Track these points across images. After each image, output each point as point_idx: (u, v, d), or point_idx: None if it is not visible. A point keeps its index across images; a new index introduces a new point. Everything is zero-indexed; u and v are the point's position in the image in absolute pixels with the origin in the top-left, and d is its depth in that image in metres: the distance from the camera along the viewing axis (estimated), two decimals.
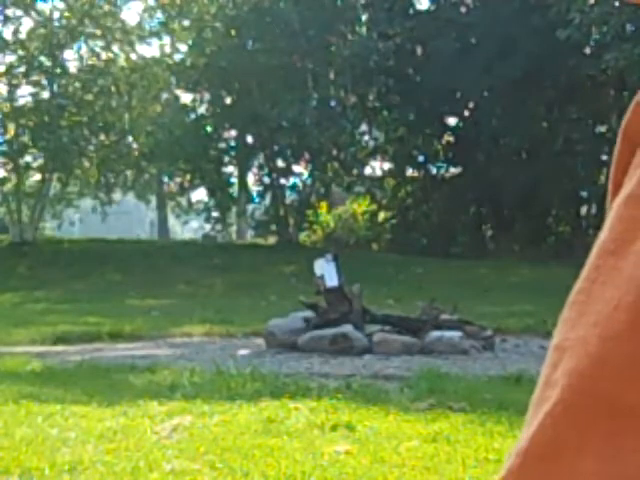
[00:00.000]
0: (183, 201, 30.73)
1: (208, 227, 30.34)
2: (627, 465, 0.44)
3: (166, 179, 30.15)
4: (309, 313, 10.42)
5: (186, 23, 26.94)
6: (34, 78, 25.87)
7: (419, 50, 25.72)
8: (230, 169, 28.50)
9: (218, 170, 27.49)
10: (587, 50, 23.20)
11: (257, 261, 21.49)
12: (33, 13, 25.86)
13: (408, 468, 4.87)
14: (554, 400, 0.47)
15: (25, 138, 25.96)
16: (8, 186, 26.20)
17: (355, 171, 27.04)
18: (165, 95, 27.81)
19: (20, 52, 25.74)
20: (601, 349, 0.45)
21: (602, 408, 0.45)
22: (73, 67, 26.59)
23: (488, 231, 27.06)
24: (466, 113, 26.60)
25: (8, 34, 25.89)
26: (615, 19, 18.85)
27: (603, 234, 0.51)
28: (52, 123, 25.04)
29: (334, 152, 26.08)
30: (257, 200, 28.42)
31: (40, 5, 26.40)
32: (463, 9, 25.99)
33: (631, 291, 0.46)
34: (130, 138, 27.27)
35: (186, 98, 27.69)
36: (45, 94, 26.20)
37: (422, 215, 27.03)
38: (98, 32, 25.96)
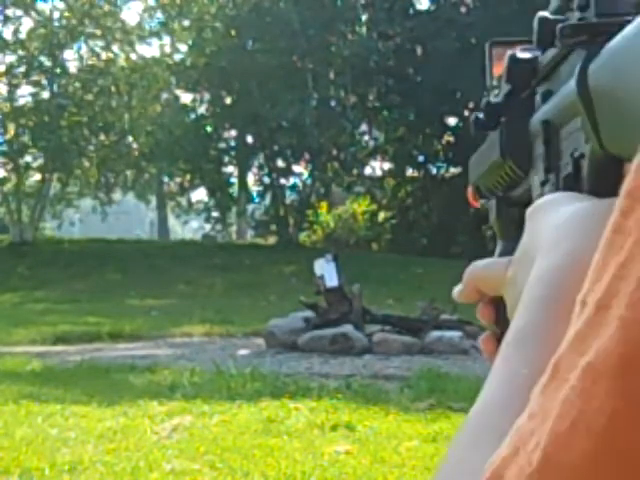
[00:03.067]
0: (183, 201, 30.70)
1: (208, 227, 30.36)
2: None
3: (166, 179, 30.14)
4: (309, 313, 10.42)
5: (186, 23, 26.94)
6: (34, 78, 25.86)
7: (419, 50, 25.72)
8: (230, 169, 28.51)
9: (218, 170, 27.50)
10: None
11: (257, 261, 21.48)
12: (33, 13, 25.86)
13: (408, 468, 4.87)
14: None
15: (25, 138, 25.95)
16: (8, 186, 26.19)
17: (355, 171, 27.02)
18: (165, 95, 27.80)
19: (20, 52, 25.74)
20: None
21: None
22: (73, 67, 26.61)
23: (488, 231, 27.05)
24: (466, 113, 26.59)
25: (8, 34, 25.92)
26: None
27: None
28: (52, 123, 25.04)
29: (334, 152, 26.07)
30: (257, 200, 28.43)
31: (40, 5, 26.49)
32: (463, 9, 25.99)
33: None
34: (130, 138, 27.25)
35: (186, 98, 27.72)
36: (45, 94, 26.19)
37: (422, 215, 27.02)
38: (98, 32, 25.95)
